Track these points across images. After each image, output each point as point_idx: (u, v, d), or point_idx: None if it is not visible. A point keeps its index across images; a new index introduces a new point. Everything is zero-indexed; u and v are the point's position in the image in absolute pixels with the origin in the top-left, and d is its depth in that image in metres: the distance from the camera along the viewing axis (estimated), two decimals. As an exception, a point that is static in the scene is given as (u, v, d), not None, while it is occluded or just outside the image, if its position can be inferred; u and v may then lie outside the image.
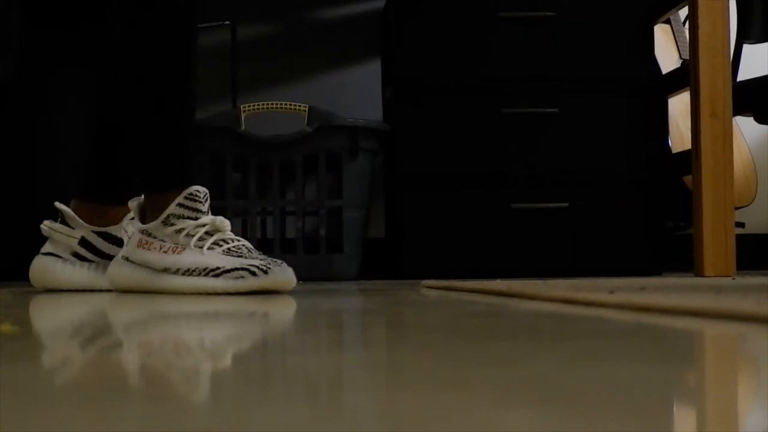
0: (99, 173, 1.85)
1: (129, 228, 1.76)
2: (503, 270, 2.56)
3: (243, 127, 2.63)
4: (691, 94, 2.38)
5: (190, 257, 1.63)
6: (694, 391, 0.51)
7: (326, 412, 0.44)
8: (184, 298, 1.53)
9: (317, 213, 2.68)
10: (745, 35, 2.92)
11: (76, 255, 1.81)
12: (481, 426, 0.39)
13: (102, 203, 1.84)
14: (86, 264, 1.81)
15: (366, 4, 3.23)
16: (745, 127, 3.14)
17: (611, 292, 1.29)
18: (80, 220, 1.81)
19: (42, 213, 1.90)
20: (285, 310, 1.23)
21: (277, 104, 2.68)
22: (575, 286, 1.49)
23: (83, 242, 1.81)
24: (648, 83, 2.66)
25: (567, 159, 2.62)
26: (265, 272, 1.57)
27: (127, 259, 1.70)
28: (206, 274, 1.60)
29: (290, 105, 2.66)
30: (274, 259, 1.61)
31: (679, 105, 3.03)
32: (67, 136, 2.56)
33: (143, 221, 1.70)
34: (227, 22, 3.14)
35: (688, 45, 2.57)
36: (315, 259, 2.64)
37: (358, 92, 3.20)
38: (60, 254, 1.81)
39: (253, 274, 1.58)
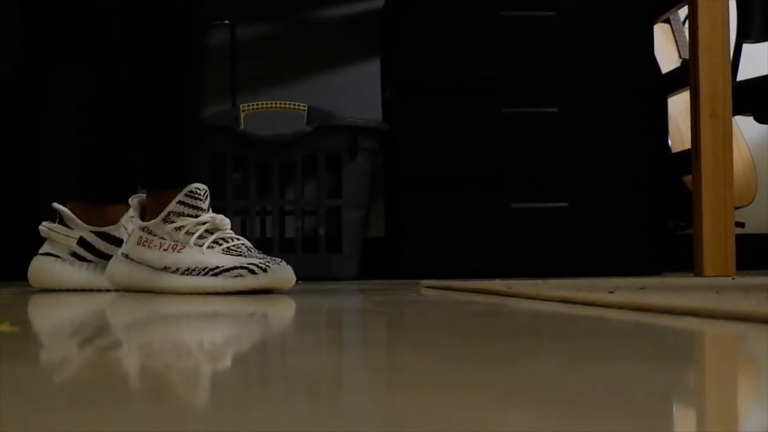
0: (98, 172, 1.85)
1: (129, 225, 1.76)
2: (503, 270, 2.56)
3: (242, 127, 2.63)
4: (690, 94, 2.38)
5: (190, 256, 1.63)
6: (694, 391, 0.51)
7: (326, 412, 0.44)
8: (183, 297, 1.53)
9: (317, 213, 2.68)
10: (745, 35, 2.92)
11: (74, 255, 1.81)
12: (481, 426, 0.39)
13: (100, 203, 1.83)
14: (85, 264, 1.81)
15: (365, 4, 3.23)
16: (745, 126, 3.14)
17: (611, 292, 1.29)
18: (78, 221, 1.81)
19: (42, 213, 1.90)
20: (284, 310, 1.23)
21: (276, 104, 2.68)
22: (575, 286, 1.49)
23: (82, 242, 1.81)
24: (648, 83, 2.66)
25: (567, 159, 2.62)
26: (265, 271, 1.57)
27: (126, 256, 1.70)
28: (205, 274, 1.60)
29: (289, 104, 2.66)
30: (274, 258, 1.60)
31: (679, 104, 3.03)
32: (67, 136, 2.56)
33: (143, 218, 1.70)
34: (226, 22, 3.14)
35: (687, 44, 2.57)
36: (314, 258, 2.64)
37: (357, 92, 3.20)
38: (58, 254, 1.81)
39: (253, 272, 1.57)
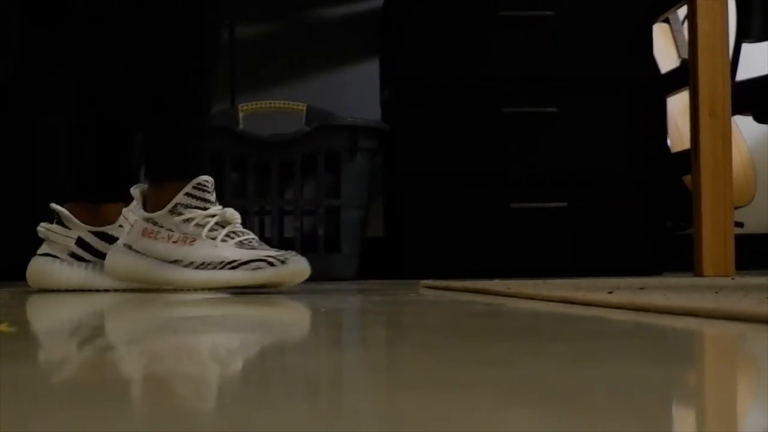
0: (96, 172, 1.84)
1: (130, 215, 1.73)
2: (503, 270, 2.56)
3: (241, 127, 2.63)
4: (690, 94, 2.38)
5: (203, 249, 1.61)
6: (693, 391, 0.51)
7: (326, 412, 0.44)
8: (183, 295, 1.53)
9: (315, 212, 2.67)
10: (745, 34, 2.92)
11: (73, 255, 1.81)
12: (481, 426, 0.39)
13: (98, 202, 1.83)
14: (83, 264, 1.81)
15: (364, 4, 3.23)
16: (744, 126, 3.14)
17: (610, 292, 1.29)
18: (77, 221, 1.81)
19: (41, 213, 1.90)
20: (282, 310, 1.23)
21: (275, 103, 2.68)
22: (574, 286, 1.49)
23: (80, 242, 1.81)
24: (648, 83, 2.66)
25: (566, 159, 2.62)
26: (284, 263, 1.56)
27: (129, 247, 1.67)
28: (222, 267, 1.59)
29: (289, 104, 2.66)
30: (288, 251, 1.60)
31: (678, 104, 3.03)
32: (67, 136, 2.56)
33: (145, 209, 1.68)
34: (226, 21, 3.14)
35: (687, 44, 2.57)
36: (313, 258, 2.62)
37: (356, 91, 3.20)
38: (57, 255, 1.81)
39: (272, 264, 1.56)
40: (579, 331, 0.86)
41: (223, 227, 1.63)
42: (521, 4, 2.65)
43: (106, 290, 1.79)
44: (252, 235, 1.64)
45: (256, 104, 2.67)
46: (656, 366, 0.60)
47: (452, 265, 2.59)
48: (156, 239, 1.64)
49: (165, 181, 1.67)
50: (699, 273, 2.32)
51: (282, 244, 2.75)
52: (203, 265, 1.61)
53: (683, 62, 2.99)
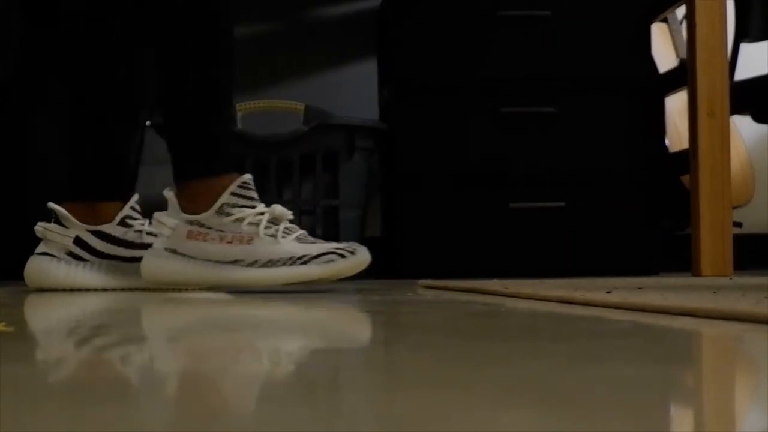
0: (93, 170, 1.84)
1: (167, 219, 1.69)
2: (503, 270, 2.56)
3: (239, 126, 2.63)
4: (688, 93, 2.38)
5: (264, 247, 1.60)
6: (692, 391, 0.51)
7: (326, 412, 0.44)
8: (181, 295, 1.53)
9: (313, 212, 2.67)
10: (743, 34, 2.92)
11: (71, 254, 1.81)
12: (481, 426, 0.39)
13: (96, 200, 1.83)
14: (81, 263, 1.81)
15: (362, 3, 3.23)
16: (743, 126, 3.14)
17: (608, 292, 1.29)
18: (74, 220, 1.81)
19: (41, 213, 1.89)
20: (280, 310, 1.23)
21: (273, 103, 2.68)
22: (572, 286, 1.49)
23: (78, 241, 1.81)
24: (647, 83, 2.66)
25: (566, 158, 2.62)
26: (353, 253, 1.59)
27: (173, 251, 1.64)
28: (292, 263, 1.58)
29: (287, 104, 2.66)
30: (348, 242, 1.63)
31: (677, 104, 3.04)
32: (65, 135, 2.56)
33: (185, 211, 1.64)
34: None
35: (685, 44, 2.57)
36: (312, 258, 2.63)
37: (354, 91, 3.20)
38: (55, 254, 1.81)
39: (342, 256, 1.58)
40: (577, 330, 0.86)
41: (276, 224, 1.62)
42: (520, 3, 2.65)
43: (104, 289, 1.79)
44: (302, 230, 1.64)
45: (254, 104, 2.67)
46: (654, 366, 0.60)
47: (451, 265, 2.59)
48: (206, 241, 1.62)
49: (204, 178, 1.64)
50: (697, 273, 2.32)
51: (280, 243, 2.74)
52: (270, 263, 1.59)
53: (682, 62, 2.99)
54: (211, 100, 1.69)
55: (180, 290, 1.66)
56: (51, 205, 1.82)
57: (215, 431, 0.39)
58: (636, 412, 0.43)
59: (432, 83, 2.64)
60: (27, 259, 1.83)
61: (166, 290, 1.71)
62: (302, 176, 2.71)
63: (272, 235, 1.60)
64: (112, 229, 1.81)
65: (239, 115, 2.63)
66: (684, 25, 2.87)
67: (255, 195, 1.64)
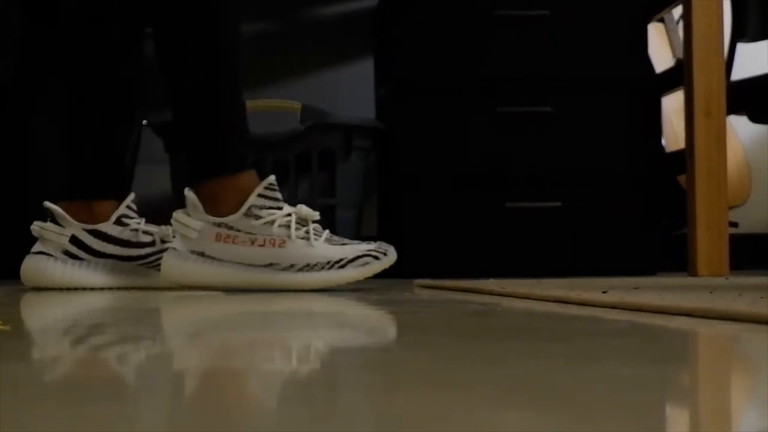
0: (91, 169, 1.84)
1: (187, 220, 1.64)
2: (502, 269, 2.56)
3: (237, 125, 2.63)
4: (685, 93, 2.38)
5: (298, 250, 1.61)
6: (688, 391, 0.51)
7: (324, 412, 0.44)
8: (178, 293, 1.53)
9: (310, 211, 2.67)
10: (740, 34, 2.92)
11: (67, 253, 1.81)
12: (481, 426, 0.39)
13: (93, 199, 1.82)
14: (78, 262, 1.81)
15: (359, 3, 3.23)
16: (740, 126, 3.14)
17: (605, 291, 1.29)
18: (71, 219, 1.80)
19: (39, 212, 1.89)
20: (276, 309, 1.23)
21: (270, 102, 2.68)
22: (569, 286, 1.49)
23: (74, 240, 1.81)
24: (645, 83, 2.66)
25: (564, 158, 2.62)
26: (385, 254, 1.65)
27: (201, 254, 1.62)
28: (330, 267, 1.61)
29: (284, 103, 2.66)
30: (377, 242, 1.67)
31: (673, 103, 3.04)
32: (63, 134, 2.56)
33: (208, 212, 1.63)
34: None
35: (682, 44, 2.57)
36: (308, 257, 2.63)
37: (351, 90, 3.20)
38: (51, 253, 1.81)
39: (376, 258, 1.63)
40: (574, 330, 0.86)
41: (303, 225, 1.63)
42: (517, 3, 2.65)
43: (101, 288, 1.79)
44: (325, 230, 1.66)
45: (251, 103, 2.67)
46: (651, 366, 0.60)
47: (449, 265, 2.59)
48: (235, 243, 1.61)
49: (216, 179, 1.63)
50: (694, 273, 2.33)
51: (277, 242, 2.74)
52: (307, 267, 1.61)
53: (678, 62, 2.99)
54: (213, 100, 1.69)
55: (179, 289, 1.66)
56: (47, 204, 1.82)
57: (212, 430, 0.39)
58: (633, 412, 0.43)
59: (431, 83, 2.64)
60: (23, 258, 1.83)
61: (163, 289, 1.71)
62: (299, 175, 2.70)
63: (303, 238, 1.62)
64: (108, 228, 1.81)
65: (236, 114, 2.63)
66: (681, 25, 2.87)
67: (279, 196, 1.65)
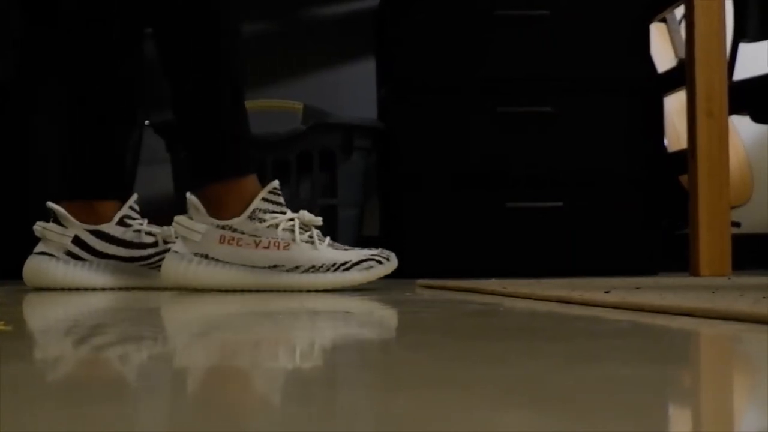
0: (92, 169, 1.84)
1: (190, 224, 1.65)
2: (503, 269, 2.56)
3: (238, 126, 2.63)
4: (687, 93, 2.38)
5: (302, 253, 1.63)
6: (690, 391, 0.51)
7: (324, 412, 0.44)
8: (176, 293, 1.53)
9: (311, 211, 2.67)
10: (742, 34, 2.92)
11: (69, 254, 1.81)
12: (481, 426, 0.39)
13: (95, 200, 1.82)
14: (80, 263, 1.81)
15: (360, 3, 3.23)
16: (742, 126, 3.14)
17: (606, 291, 1.29)
18: (73, 219, 1.81)
19: (40, 212, 1.89)
20: (276, 310, 1.23)
21: (271, 102, 2.68)
22: (571, 286, 1.49)
23: (77, 241, 1.81)
24: (646, 83, 2.66)
25: (565, 158, 2.62)
26: (388, 259, 1.69)
27: (205, 256, 1.62)
28: (335, 269, 1.63)
29: (285, 103, 2.66)
30: (378, 248, 1.71)
31: (675, 103, 3.04)
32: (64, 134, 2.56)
33: (211, 215, 1.63)
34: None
35: (683, 44, 2.57)
36: (310, 257, 2.63)
37: (352, 90, 3.20)
38: (53, 253, 1.81)
39: (380, 263, 1.67)
40: (575, 330, 0.86)
41: (305, 230, 1.66)
42: (517, 3, 2.65)
43: (103, 289, 1.79)
44: (326, 236, 1.69)
45: (252, 103, 2.67)
46: (652, 366, 0.60)
47: (450, 265, 2.59)
48: (240, 246, 1.62)
49: (217, 182, 1.63)
50: (695, 273, 2.32)
51: (278, 242, 2.74)
52: (313, 269, 1.63)
53: (680, 62, 2.99)
54: (213, 100, 1.69)
55: (179, 290, 1.66)
56: (50, 204, 1.82)
57: (211, 430, 0.39)
58: (634, 412, 0.43)
59: (431, 83, 2.64)
60: (26, 258, 1.83)
61: (164, 290, 1.71)
62: (300, 175, 2.70)
63: (307, 241, 1.64)
64: (110, 228, 1.81)
65: (238, 114, 2.63)
66: (683, 24, 2.87)
67: (283, 200, 1.67)
